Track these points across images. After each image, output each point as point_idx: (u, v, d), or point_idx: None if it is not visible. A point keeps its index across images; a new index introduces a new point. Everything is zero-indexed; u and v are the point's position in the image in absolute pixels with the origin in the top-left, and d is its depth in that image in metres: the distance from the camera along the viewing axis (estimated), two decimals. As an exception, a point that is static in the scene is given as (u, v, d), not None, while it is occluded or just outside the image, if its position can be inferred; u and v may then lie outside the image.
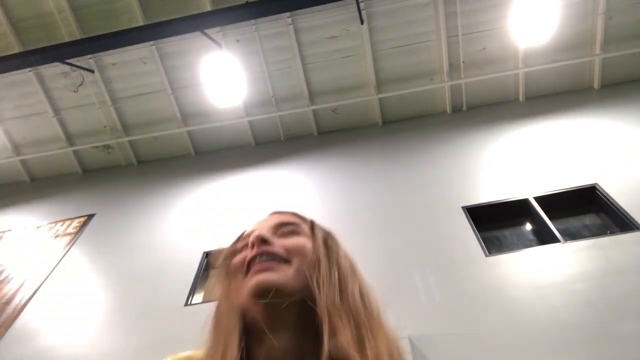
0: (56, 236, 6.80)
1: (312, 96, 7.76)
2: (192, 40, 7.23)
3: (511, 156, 6.14)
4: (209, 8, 6.83)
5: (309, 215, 0.91)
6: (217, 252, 0.88)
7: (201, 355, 0.81)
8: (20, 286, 5.84)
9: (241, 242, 0.86)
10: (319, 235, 0.88)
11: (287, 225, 0.86)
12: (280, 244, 0.81)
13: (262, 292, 0.74)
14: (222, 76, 6.77)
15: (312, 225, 0.92)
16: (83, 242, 6.55)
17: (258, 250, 0.79)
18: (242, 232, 0.91)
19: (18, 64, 6.35)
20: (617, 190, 4.99)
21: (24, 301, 5.55)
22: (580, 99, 7.15)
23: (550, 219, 4.86)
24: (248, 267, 0.79)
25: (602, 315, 3.71)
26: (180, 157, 8.44)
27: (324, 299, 0.75)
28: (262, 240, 0.80)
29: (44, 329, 5.05)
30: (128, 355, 4.46)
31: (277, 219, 0.88)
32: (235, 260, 0.83)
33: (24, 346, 4.87)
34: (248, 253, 0.80)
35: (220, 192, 7.01)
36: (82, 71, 7.59)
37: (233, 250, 0.85)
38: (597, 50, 7.09)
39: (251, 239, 0.81)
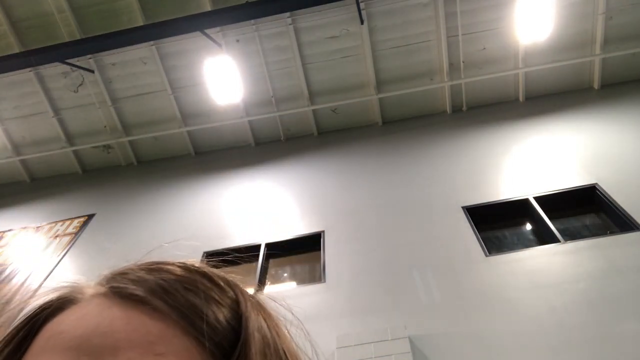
0: (56, 236, 6.80)
1: (312, 96, 7.76)
2: (192, 40, 7.23)
3: (511, 156, 6.14)
4: (209, 8, 6.83)
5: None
6: None
7: None
8: (21, 286, 5.84)
9: None
10: None
11: None
12: None
13: None
14: (222, 76, 6.78)
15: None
16: (83, 242, 6.55)
17: None
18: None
19: (18, 64, 6.35)
20: (617, 190, 4.99)
21: (24, 301, 5.54)
22: (580, 99, 7.15)
23: (550, 219, 4.86)
24: None
25: (602, 315, 3.71)
26: (180, 157, 8.44)
27: None
28: None
29: (44, 329, 5.05)
30: (128, 355, 4.46)
31: None
32: None
33: (24, 346, 4.87)
34: None
35: (220, 192, 7.01)
36: (82, 71, 7.59)
37: None
38: (597, 50, 7.09)
39: None
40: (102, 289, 0.41)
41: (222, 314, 0.39)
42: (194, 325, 0.37)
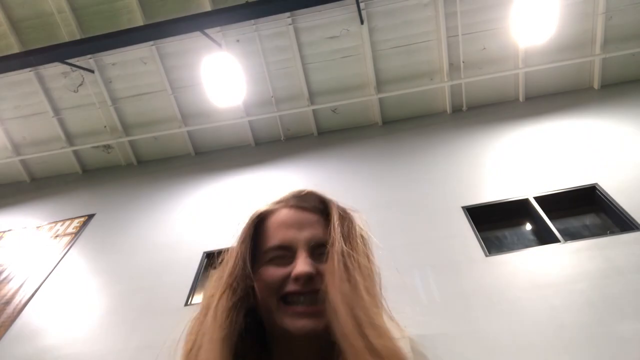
0: (56, 236, 6.80)
1: (312, 96, 7.76)
2: (192, 40, 7.24)
3: (511, 156, 6.14)
4: (209, 8, 6.83)
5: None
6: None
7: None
8: (20, 286, 5.84)
9: (275, 241, 0.87)
10: (341, 249, 0.85)
11: (322, 247, 0.85)
12: (319, 274, 0.82)
13: (306, 336, 0.80)
14: (222, 76, 6.77)
15: (336, 221, 0.90)
16: (83, 242, 6.55)
17: (305, 289, 0.81)
18: (276, 201, 0.96)
19: (18, 64, 6.35)
20: (617, 190, 4.99)
21: (24, 301, 5.55)
22: (580, 99, 7.15)
23: (550, 219, 4.86)
24: (286, 297, 0.83)
25: (602, 315, 3.71)
26: (180, 157, 8.44)
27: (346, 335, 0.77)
28: (309, 278, 0.81)
29: (44, 329, 5.06)
30: (128, 355, 4.46)
31: (313, 235, 0.86)
32: (270, 274, 0.84)
33: (24, 346, 4.87)
34: (291, 286, 0.82)
35: (220, 192, 7.01)
36: (82, 71, 7.59)
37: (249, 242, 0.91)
38: (597, 50, 7.09)
39: (297, 272, 0.81)
40: (284, 206, 0.92)
41: (322, 204, 0.92)
42: (320, 212, 0.90)
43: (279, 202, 0.94)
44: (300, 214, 0.89)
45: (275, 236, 0.87)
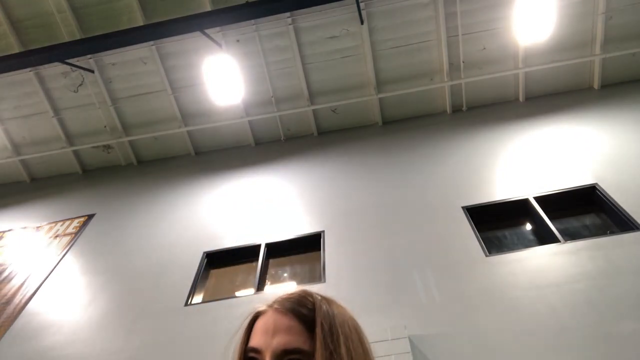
0: (56, 236, 6.80)
1: (312, 96, 7.76)
2: (192, 40, 7.24)
3: (511, 156, 6.14)
4: (209, 8, 6.83)
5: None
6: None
7: None
8: (21, 286, 5.84)
9: (251, 344, 0.90)
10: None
11: (295, 354, 0.84)
12: None
13: None
14: (222, 76, 6.78)
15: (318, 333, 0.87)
16: (83, 242, 6.55)
17: None
18: (249, 320, 0.94)
19: (18, 64, 6.35)
20: (617, 190, 4.99)
21: (24, 301, 5.55)
22: (580, 99, 7.15)
23: (550, 219, 4.86)
24: None
25: (602, 315, 3.72)
26: (180, 157, 8.44)
27: None
28: None
29: (44, 328, 5.06)
30: (128, 355, 4.46)
31: (284, 342, 0.85)
32: None
33: (24, 346, 4.88)
34: None
35: (220, 192, 7.01)
36: (82, 71, 7.59)
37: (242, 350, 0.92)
38: (597, 50, 7.09)
39: None
40: (270, 308, 0.90)
41: (308, 310, 0.87)
42: (301, 318, 0.85)
43: (270, 303, 0.94)
44: (278, 318, 0.88)
45: (253, 339, 0.89)
